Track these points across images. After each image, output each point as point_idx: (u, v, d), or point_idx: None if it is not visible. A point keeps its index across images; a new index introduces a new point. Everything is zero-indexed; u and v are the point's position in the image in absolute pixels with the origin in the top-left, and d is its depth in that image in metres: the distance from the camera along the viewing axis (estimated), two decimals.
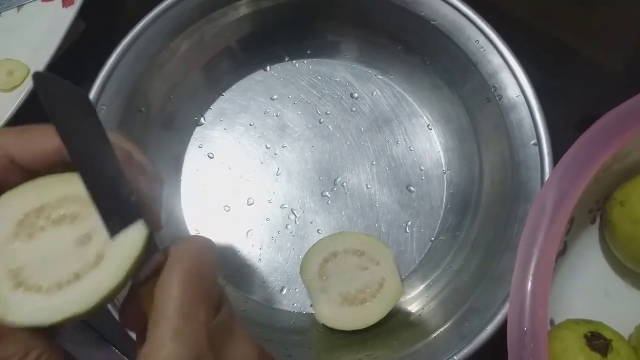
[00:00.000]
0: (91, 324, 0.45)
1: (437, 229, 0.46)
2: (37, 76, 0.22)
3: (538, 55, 0.50)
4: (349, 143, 0.48)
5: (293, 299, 0.45)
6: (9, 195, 0.24)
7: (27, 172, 0.25)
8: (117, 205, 0.23)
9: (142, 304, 0.25)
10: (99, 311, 0.23)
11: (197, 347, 0.22)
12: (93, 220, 0.23)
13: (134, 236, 0.23)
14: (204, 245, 0.25)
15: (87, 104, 0.24)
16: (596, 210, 0.43)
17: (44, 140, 0.24)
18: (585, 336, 0.36)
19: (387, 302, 0.41)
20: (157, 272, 0.24)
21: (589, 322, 0.37)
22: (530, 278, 0.33)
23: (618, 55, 0.53)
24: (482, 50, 0.42)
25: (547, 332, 0.38)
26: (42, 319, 0.22)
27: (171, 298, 0.22)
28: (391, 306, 0.41)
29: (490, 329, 0.37)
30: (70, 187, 0.24)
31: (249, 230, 0.46)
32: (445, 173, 0.47)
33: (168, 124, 0.47)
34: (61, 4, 0.50)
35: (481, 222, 0.43)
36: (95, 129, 0.23)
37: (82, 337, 0.45)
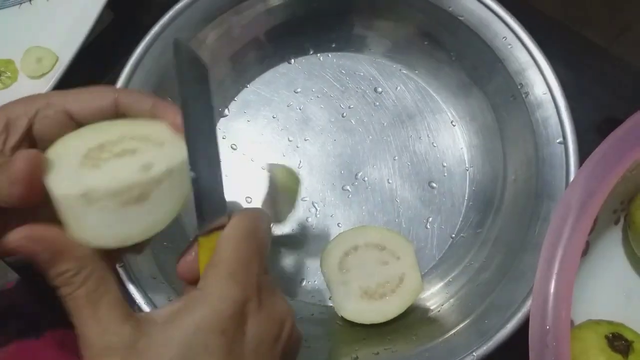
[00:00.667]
0: None
1: (458, 226, 0.46)
2: (177, 42, 0.27)
3: (564, 52, 0.50)
4: (371, 137, 0.48)
5: (312, 291, 0.45)
6: (70, 136, 0.26)
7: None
8: (204, 151, 0.27)
9: (199, 255, 0.27)
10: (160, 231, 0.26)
11: (248, 290, 0.25)
12: (152, 152, 0.26)
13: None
14: (261, 214, 0.29)
15: (206, 76, 0.28)
16: (620, 210, 0.42)
17: (100, 97, 0.28)
18: (606, 337, 0.36)
19: (406, 296, 0.41)
20: (219, 228, 0.27)
21: (609, 323, 0.37)
22: (554, 276, 0.33)
23: (624, 44, 0.53)
24: (509, 46, 0.42)
25: None
26: (109, 241, 0.25)
27: (232, 246, 0.26)
28: (411, 301, 0.41)
29: (510, 326, 0.37)
30: (126, 128, 0.27)
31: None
32: (467, 170, 0.47)
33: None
34: None
35: (503, 219, 0.43)
36: (205, 94, 0.28)
37: None
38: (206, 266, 0.26)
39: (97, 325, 0.23)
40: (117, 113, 0.29)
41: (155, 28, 0.44)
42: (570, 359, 0.31)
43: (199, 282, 0.26)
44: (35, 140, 0.28)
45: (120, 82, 0.42)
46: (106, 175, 0.25)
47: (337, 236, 0.44)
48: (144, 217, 0.25)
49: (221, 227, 0.27)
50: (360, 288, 0.42)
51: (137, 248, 0.28)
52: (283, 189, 0.39)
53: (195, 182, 0.26)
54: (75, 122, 0.28)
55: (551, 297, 0.32)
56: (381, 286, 0.42)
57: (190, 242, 0.28)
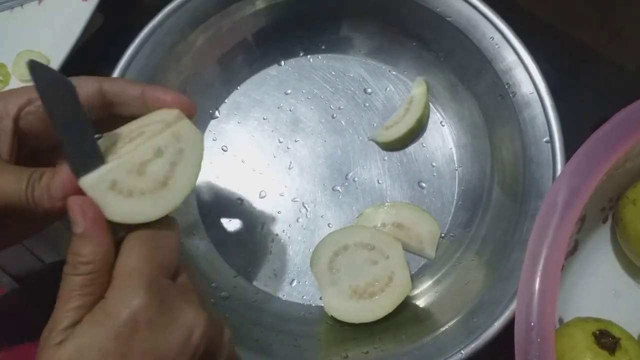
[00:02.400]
0: None
1: (448, 225, 0.46)
2: (33, 64, 0.26)
3: (555, 54, 0.50)
4: (361, 138, 0.49)
5: (303, 291, 0.45)
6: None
7: (109, 113, 0.30)
8: (84, 151, 0.27)
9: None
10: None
11: (146, 297, 0.25)
12: (162, 136, 0.28)
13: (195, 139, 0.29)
14: (162, 224, 0.28)
15: (71, 87, 0.27)
16: (608, 208, 0.43)
17: (82, 86, 0.28)
18: (594, 334, 0.36)
19: (396, 295, 0.42)
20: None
21: (597, 320, 0.37)
22: (539, 274, 0.33)
23: (635, 56, 0.53)
24: (496, 46, 0.43)
25: (555, 329, 0.38)
26: (137, 217, 0.27)
27: (134, 253, 0.26)
28: (400, 300, 0.42)
29: (498, 324, 0.37)
30: (135, 124, 0.30)
31: (261, 223, 0.47)
32: (457, 169, 0.47)
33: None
34: None
35: (492, 218, 0.43)
36: (73, 104, 0.27)
37: None
38: (113, 273, 0.26)
39: (55, 317, 0.25)
40: (103, 102, 0.30)
41: (145, 31, 0.44)
42: (554, 355, 0.31)
43: (108, 289, 0.26)
44: (23, 135, 0.29)
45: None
46: (126, 163, 0.27)
47: (326, 236, 0.44)
48: (165, 194, 0.27)
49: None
50: (350, 288, 0.42)
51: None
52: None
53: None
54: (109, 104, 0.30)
55: (536, 294, 0.32)
56: (370, 285, 0.42)
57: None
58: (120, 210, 0.26)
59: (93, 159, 0.27)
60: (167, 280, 0.27)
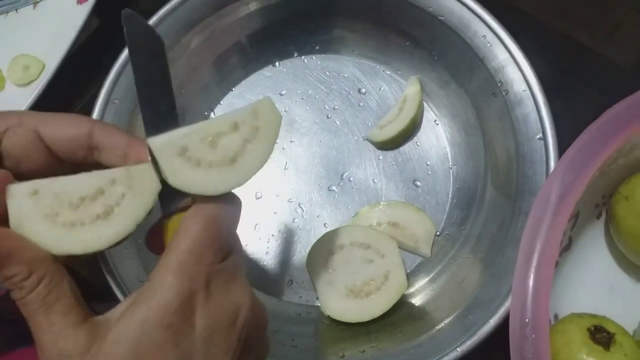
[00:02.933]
0: None
1: (443, 223, 0.46)
2: (126, 13, 0.26)
3: (550, 52, 0.50)
4: (355, 138, 0.49)
5: (299, 291, 0.45)
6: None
7: (51, 154, 0.28)
8: (159, 110, 0.27)
9: (164, 233, 0.28)
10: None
11: (195, 282, 0.25)
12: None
13: (147, 181, 0.27)
14: (227, 199, 0.28)
15: (160, 44, 0.27)
16: (602, 204, 0.43)
17: (75, 124, 0.27)
18: (589, 329, 0.36)
19: (391, 294, 0.42)
20: (184, 209, 0.27)
21: (592, 316, 0.38)
22: (533, 270, 0.33)
23: (630, 54, 0.53)
24: (488, 45, 0.43)
25: (551, 325, 0.38)
26: (77, 249, 0.25)
27: (186, 235, 0.25)
28: (396, 299, 0.42)
29: (493, 321, 0.37)
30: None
31: (257, 224, 0.47)
32: (451, 168, 0.47)
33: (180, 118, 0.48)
34: (76, 1, 0.51)
35: (486, 215, 0.43)
36: (160, 61, 0.27)
37: None
38: (166, 249, 0.26)
39: (50, 331, 0.23)
40: (89, 144, 0.28)
41: None
42: (549, 351, 0.31)
43: (151, 273, 0.25)
44: (1, 156, 0.28)
45: (105, 88, 0.43)
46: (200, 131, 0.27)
47: (322, 236, 0.44)
48: (232, 171, 0.27)
49: (185, 209, 0.27)
50: (346, 287, 0.42)
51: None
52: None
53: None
54: (45, 146, 0.28)
55: (530, 290, 0.32)
56: (366, 284, 0.42)
57: (158, 220, 0.28)
58: (185, 178, 0.26)
59: (167, 120, 0.27)
60: (217, 265, 0.26)
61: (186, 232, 0.26)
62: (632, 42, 0.53)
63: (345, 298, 0.42)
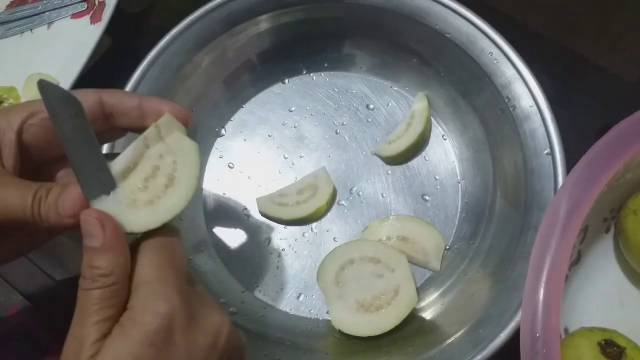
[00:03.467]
0: None
1: (452, 238, 0.47)
2: (41, 83, 0.26)
3: (553, 66, 0.51)
4: (364, 153, 0.49)
5: (310, 305, 0.46)
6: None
7: (109, 124, 0.31)
8: (95, 175, 0.28)
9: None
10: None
11: (173, 303, 0.26)
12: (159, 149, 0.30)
13: (190, 148, 0.31)
14: (169, 229, 0.29)
15: (77, 104, 0.28)
16: (610, 219, 0.43)
17: (83, 98, 0.28)
18: (599, 343, 0.36)
19: (402, 308, 0.42)
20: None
21: (602, 330, 0.38)
22: (543, 285, 0.33)
23: (633, 66, 0.54)
24: (495, 61, 0.43)
25: (561, 339, 0.38)
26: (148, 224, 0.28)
27: (150, 264, 0.27)
28: (406, 313, 0.42)
29: (504, 335, 0.37)
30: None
31: (267, 238, 0.48)
32: (459, 182, 0.48)
33: (190, 135, 0.48)
34: (89, 21, 0.52)
35: (495, 230, 0.44)
36: (82, 125, 0.28)
37: None
38: (133, 284, 0.27)
39: (79, 332, 0.25)
40: (103, 112, 0.31)
41: (152, 53, 0.45)
42: None
43: (130, 299, 0.26)
44: (26, 148, 0.29)
45: None
46: (130, 184, 0.29)
47: (332, 250, 0.45)
48: (168, 201, 0.29)
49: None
50: (356, 301, 0.43)
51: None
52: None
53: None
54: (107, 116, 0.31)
55: (540, 305, 0.33)
56: (377, 299, 0.43)
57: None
58: (131, 220, 0.28)
59: (101, 177, 0.28)
60: (187, 286, 0.28)
61: (149, 262, 0.27)
62: (635, 54, 0.54)
63: (355, 312, 0.43)
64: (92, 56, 0.49)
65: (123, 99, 0.31)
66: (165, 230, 0.29)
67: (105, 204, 0.28)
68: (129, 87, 0.44)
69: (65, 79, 0.49)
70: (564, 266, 0.34)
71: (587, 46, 0.53)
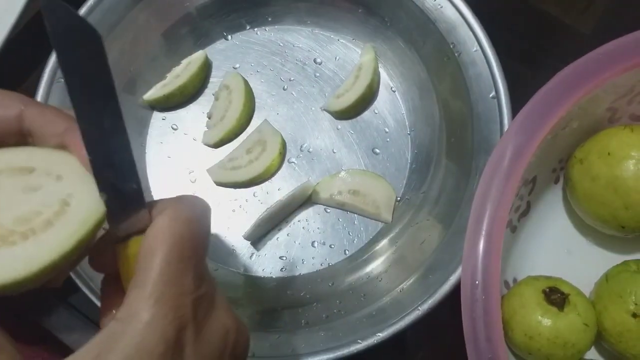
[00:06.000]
0: (78, 308, 0.45)
1: (403, 189, 0.46)
2: (45, 2, 0.20)
3: (505, 17, 0.50)
4: (313, 109, 0.48)
5: (263, 264, 0.45)
6: None
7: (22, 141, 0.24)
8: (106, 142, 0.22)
9: (118, 261, 0.23)
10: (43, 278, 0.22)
11: (181, 316, 0.21)
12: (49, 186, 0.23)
13: (90, 208, 0.22)
14: (199, 207, 0.24)
15: (96, 40, 0.21)
16: (559, 169, 0.42)
17: (3, 106, 0.23)
18: (543, 291, 0.36)
19: (76, 223, 0.23)
20: (139, 232, 0.23)
21: (547, 278, 0.38)
22: (483, 232, 0.33)
23: (587, 17, 0.52)
24: (439, 7, 0.42)
25: (509, 289, 0.38)
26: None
27: (158, 261, 0.21)
28: (88, 226, 0.23)
29: (453, 279, 0.37)
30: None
31: (217, 201, 0.46)
32: (409, 134, 0.47)
33: (130, 89, 0.46)
34: None
35: (443, 177, 0.43)
36: (99, 66, 0.21)
37: (68, 322, 0.45)
38: (128, 288, 0.21)
39: None
40: (20, 130, 0.24)
41: (83, 10, 0.43)
42: (499, 312, 0.31)
43: (119, 309, 0.21)
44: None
45: (50, 66, 0.42)
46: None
47: None
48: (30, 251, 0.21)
49: (141, 231, 0.22)
50: None
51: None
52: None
53: (97, 172, 0.22)
54: None
55: (480, 252, 0.32)
56: (25, 222, 0.24)
57: (99, 240, 0.24)
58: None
59: (116, 140, 0.23)
60: (198, 290, 0.22)
61: (156, 258, 0.21)
62: (588, 5, 0.53)
63: None
64: (21, 17, 0.47)
65: (50, 123, 0.24)
66: (186, 203, 0.23)
67: None
68: None
69: None
70: (505, 213, 0.33)
71: (558, 9, 0.52)
